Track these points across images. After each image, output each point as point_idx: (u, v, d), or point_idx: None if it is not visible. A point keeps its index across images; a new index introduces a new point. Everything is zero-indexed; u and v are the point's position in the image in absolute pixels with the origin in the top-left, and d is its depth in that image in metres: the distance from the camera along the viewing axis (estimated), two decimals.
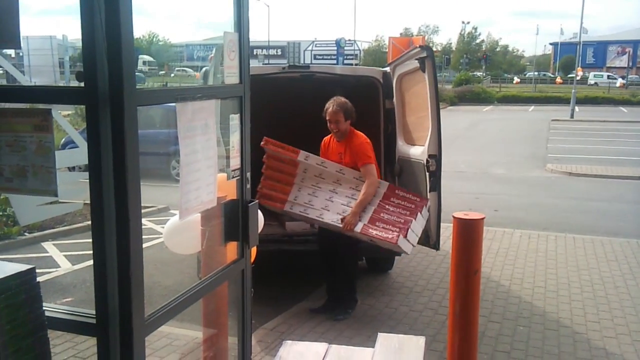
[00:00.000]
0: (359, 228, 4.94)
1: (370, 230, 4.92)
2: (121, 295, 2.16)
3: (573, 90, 32.05)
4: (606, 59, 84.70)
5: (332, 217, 5.09)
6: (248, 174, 3.03)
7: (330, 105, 5.17)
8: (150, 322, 2.31)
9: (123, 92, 2.01)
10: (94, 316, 2.22)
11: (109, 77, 2.02)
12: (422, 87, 5.05)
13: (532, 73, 73.07)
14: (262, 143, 5.21)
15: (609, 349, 4.70)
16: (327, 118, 5.17)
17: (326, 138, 5.49)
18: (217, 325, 3.73)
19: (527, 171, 14.73)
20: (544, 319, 5.33)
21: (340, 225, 4.98)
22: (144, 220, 9.27)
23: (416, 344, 2.91)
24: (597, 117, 30.01)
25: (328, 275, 5.49)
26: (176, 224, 3.34)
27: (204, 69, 5.67)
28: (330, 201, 5.17)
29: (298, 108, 6.72)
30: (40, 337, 2.17)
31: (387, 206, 5.05)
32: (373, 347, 3.00)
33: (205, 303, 3.76)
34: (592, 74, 63.72)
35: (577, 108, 31.90)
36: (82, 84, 2.07)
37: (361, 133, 5.28)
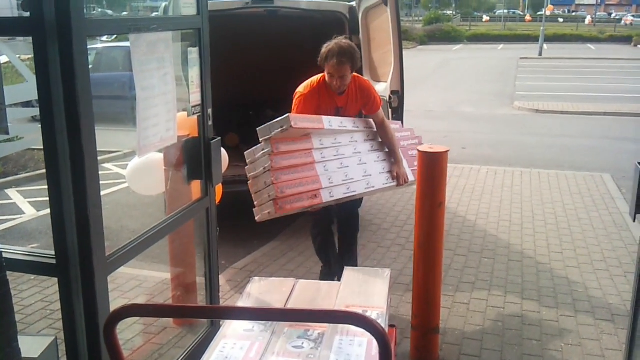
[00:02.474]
0: (411, 175, 4.23)
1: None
2: (80, 235, 2.13)
3: (542, 28, 32.08)
4: None
5: (382, 181, 4.08)
6: (209, 110, 2.97)
7: (332, 55, 3.85)
8: (113, 261, 2.29)
9: (71, 21, 1.92)
10: (54, 257, 2.19)
11: (56, 4, 1.92)
12: (385, 21, 4.96)
13: (501, 11, 72.60)
14: (291, 124, 3.56)
15: (571, 278, 4.84)
16: (329, 71, 3.92)
17: (311, 90, 4.05)
18: (184, 265, 3.75)
19: (495, 109, 14.82)
20: (508, 251, 5.45)
21: (394, 184, 4.16)
22: (109, 165, 9.12)
23: (382, 276, 2.95)
24: (565, 55, 30.19)
25: (330, 251, 4.46)
26: (138, 163, 3.28)
27: (163, 4, 5.39)
28: (363, 164, 4.04)
29: (263, 45, 6.58)
30: None
31: (401, 142, 4.43)
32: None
33: (172, 244, 3.75)
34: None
35: (545, 46, 31.98)
36: (29, 14, 1.97)
37: (359, 75, 4.28)
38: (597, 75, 21.58)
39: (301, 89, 4.09)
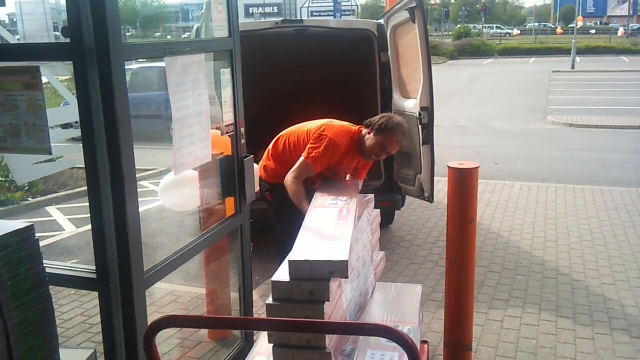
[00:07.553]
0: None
1: None
2: (120, 250, 2.20)
3: (573, 41, 31.66)
4: (607, 7, 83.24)
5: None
6: (242, 129, 3.04)
7: (401, 133, 3.70)
8: (150, 276, 2.35)
9: (109, 46, 2.00)
10: (95, 271, 2.26)
11: (94, 31, 2.00)
12: (413, 38, 4.98)
13: (532, 24, 72.03)
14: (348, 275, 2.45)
15: (607, 295, 4.76)
16: (386, 145, 3.71)
17: (347, 146, 3.73)
18: (219, 281, 3.80)
19: (527, 123, 14.66)
20: (542, 267, 5.38)
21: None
22: (145, 183, 9.29)
23: (413, 291, 2.96)
24: (598, 67, 29.71)
25: None
26: (170, 181, 3.35)
27: (195, 26, 5.49)
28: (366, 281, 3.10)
29: (293, 64, 6.67)
30: (42, 293, 2.20)
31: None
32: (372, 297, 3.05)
33: (207, 260, 3.81)
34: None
35: (577, 58, 31.55)
36: (68, 40, 2.06)
37: None
38: (631, 88, 21.17)
39: (335, 135, 3.68)
